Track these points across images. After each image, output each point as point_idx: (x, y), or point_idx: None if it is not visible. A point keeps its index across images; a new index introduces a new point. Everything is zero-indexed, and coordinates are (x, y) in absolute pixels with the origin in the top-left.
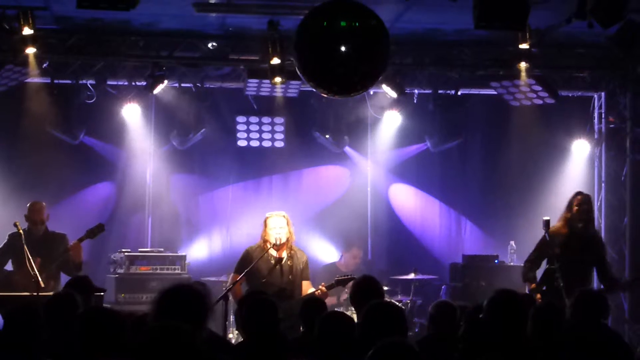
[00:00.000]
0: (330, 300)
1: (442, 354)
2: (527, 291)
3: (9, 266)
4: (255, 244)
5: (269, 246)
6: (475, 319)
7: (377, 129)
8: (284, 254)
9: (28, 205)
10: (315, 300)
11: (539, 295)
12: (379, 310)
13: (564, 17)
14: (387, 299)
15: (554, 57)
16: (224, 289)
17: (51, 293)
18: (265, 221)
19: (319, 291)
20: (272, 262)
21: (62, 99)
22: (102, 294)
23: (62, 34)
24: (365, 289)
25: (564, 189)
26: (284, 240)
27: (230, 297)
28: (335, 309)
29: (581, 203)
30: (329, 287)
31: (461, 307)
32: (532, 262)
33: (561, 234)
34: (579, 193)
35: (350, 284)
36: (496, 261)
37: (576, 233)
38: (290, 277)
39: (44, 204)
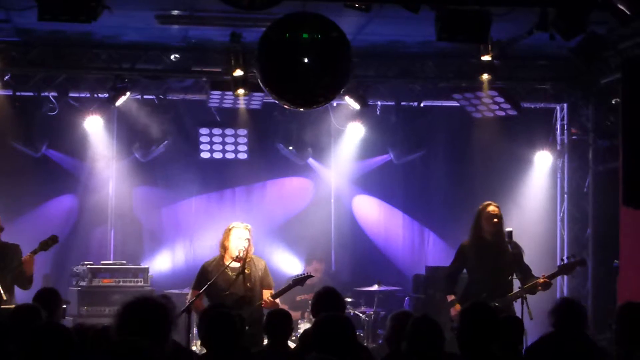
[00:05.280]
0: (295, 316)
1: None
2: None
3: None
4: (212, 258)
5: (229, 259)
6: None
7: (340, 141)
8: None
9: None
10: (279, 313)
11: (457, 306)
12: (327, 324)
13: (526, 29)
14: (350, 310)
15: (516, 69)
16: (187, 301)
17: (12, 306)
18: (229, 230)
19: (266, 300)
20: (231, 273)
21: (24, 111)
22: (64, 306)
23: (23, 46)
24: (325, 300)
25: (527, 200)
26: (245, 252)
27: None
28: (300, 323)
29: (491, 215)
30: (283, 290)
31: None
32: (451, 274)
33: (474, 246)
34: (488, 204)
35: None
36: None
37: (488, 243)
38: (248, 284)
39: None
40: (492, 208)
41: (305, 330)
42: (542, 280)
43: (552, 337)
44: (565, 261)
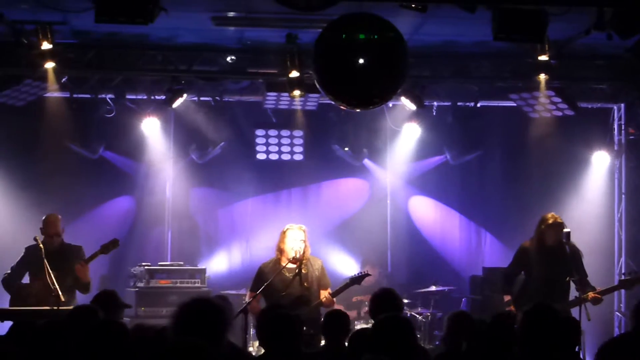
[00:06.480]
0: (351, 315)
1: None
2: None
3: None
4: (269, 259)
5: (285, 260)
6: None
7: (396, 142)
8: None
9: (43, 218)
10: (337, 313)
11: (512, 307)
12: (387, 325)
13: (583, 28)
14: (407, 311)
15: (573, 68)
16: (243, 302)
17: (71, 307)
18: (284, 232)
19: (324, 298)
20: (288, 275)
21: (82, 113)
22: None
23: (80, 48)
24: (382, 301)
25: (585, 200)
26: (301, 253)
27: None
28: (356, 324)
29: (552, 225)
30: (341, 289)
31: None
32: (509, 274)
33: (535, 248)
34: (553, 216)
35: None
36: None
37: (549, 247)
38: (305, 284)
39: (59, 216)
40: (556, 221)
41: (356, 331)
42: (591, 296)
43: (631, 336)
44: (624, 277)
